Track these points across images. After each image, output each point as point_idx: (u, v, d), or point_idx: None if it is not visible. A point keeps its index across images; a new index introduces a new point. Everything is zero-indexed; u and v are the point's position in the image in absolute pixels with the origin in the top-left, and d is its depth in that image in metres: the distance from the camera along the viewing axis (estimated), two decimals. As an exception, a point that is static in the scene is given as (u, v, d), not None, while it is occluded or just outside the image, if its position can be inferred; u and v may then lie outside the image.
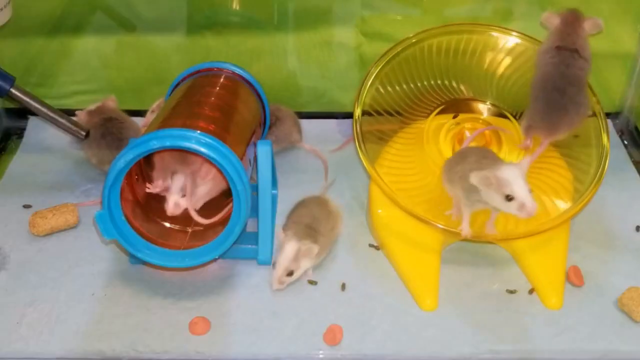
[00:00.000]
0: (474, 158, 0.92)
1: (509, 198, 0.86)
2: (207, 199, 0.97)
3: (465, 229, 0.93)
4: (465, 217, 0.93)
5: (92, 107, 1.11)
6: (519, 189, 0.85)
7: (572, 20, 1.01)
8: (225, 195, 0.98)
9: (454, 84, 1.09)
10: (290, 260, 0.90)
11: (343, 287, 0.94)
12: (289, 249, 0.90)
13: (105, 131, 1.07)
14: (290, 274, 0.90)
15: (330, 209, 0.99)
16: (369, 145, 1.02)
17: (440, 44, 1.09)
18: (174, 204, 0.93)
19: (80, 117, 1.09)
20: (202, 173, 0.94)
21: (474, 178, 0.87)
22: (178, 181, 0.93)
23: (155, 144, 0.85)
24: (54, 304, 0.91)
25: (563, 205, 0.98)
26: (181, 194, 0.93)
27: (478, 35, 1.09)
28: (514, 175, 0.86)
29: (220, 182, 0.96)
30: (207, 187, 0.96)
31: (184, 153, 0.92)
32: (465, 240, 0.98)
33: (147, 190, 0.98)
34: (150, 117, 1.15)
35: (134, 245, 0.90)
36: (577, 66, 0.98)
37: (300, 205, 0.98)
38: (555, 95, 0.97)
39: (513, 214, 0.87)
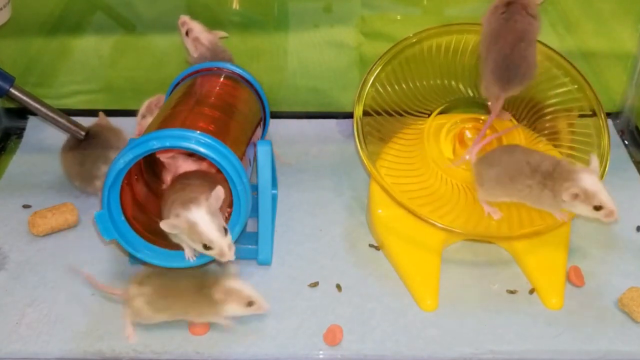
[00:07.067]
0: (527, 171, 0.90)
1: (597, 208, 0.86)
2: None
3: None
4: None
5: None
6: (607, 199, 0.86)
7: None
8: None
9: (455, 84, 1.09)
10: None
11: (339, 288, 0.94)
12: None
13: (75, 143, 1.07)
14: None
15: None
16: (369, 145, 1.02)
17: (441, 44, 1.09)
18: (229, 246, 0.83)
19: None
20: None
21: (566, 197, 0.86)
22: (211, 223, 0.82)
23: (155, 144, 0.84)
24: (54, 304, 0.91)
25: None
26: (223, 232, 0.83)
27: (479, 35, 1.09)
28: (596, 184, 0.86)
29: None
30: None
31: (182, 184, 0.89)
32: (466, 240, 0.98)
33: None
34: (143, 122, 1.13)
35: (134, 245, 0.89)
36: (526, 20, 0.97)
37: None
38: (506, 51, 0.96)
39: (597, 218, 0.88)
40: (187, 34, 1.11)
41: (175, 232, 0.83)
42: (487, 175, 0.94)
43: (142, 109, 1.13)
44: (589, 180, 0.87)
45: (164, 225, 0.82)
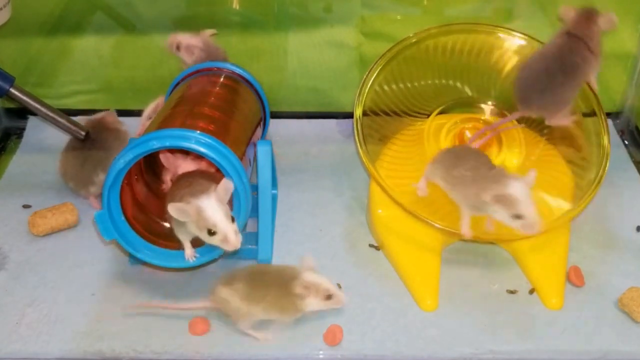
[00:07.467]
0: (471, 164, 0.91)
1: (517, 217, 0.85)
2: None
3: (465, 230, 0.92)
4: (465, 218, 0.92)
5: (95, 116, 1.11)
6: (528, 210, 0.85)
7: (587, 13, 0.99)
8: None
9: (455, 84, 1.09)
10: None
11: (339, 288, 0.93)
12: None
13: (78, 145, 1.07)
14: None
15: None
16: (369, 145, 1.02)
17: (441, 44, 1.09)
18: (235, 232, 0.82)
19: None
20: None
21: (487, 196, 0.85)
22: (219, 209, 0.82)
23: (155, 144, 0.84)
24: (54, 304, 0.91)
25: (564, 205, 0.97)
26: (230, 219, 0.82)
27: (479, 35, 1.09)
28: (523, 194, 0.85)
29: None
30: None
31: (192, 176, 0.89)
32: (466, 240, 0.98)
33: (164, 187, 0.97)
34: (147, 123, 1.13)
35: (134, 245, 0.89)
36: (580, 55, 0.97)
37: None
38: (542, 75, 0.96)
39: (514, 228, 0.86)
40: (177, 48, 1.11)
41: (183, 218, 0.82)
42: (440, 155, 0.95)
43: (147, 111, 1.13)
44: (516, 187, 0.86)
45: (171, 208, 0.81)
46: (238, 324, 0.86)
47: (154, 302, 0.89)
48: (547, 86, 0.96)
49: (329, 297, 0.85)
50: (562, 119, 1.00)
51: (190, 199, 0.82)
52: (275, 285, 0.85)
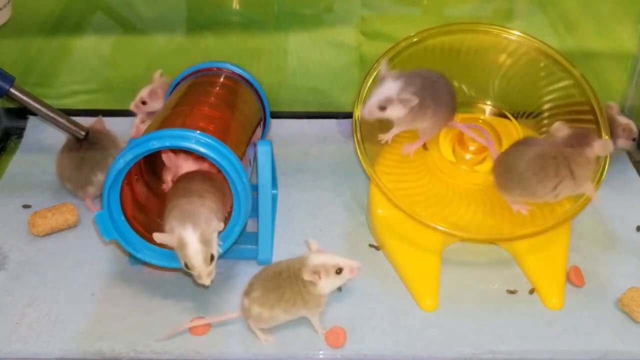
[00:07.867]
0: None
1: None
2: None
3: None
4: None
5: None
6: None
7: (578, 137, 0.93)
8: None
9: (455, 84, 1.09)
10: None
11: (339, 288, 0.93)
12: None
13: (74, 146, 1.07)
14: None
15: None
16: (369, 146, 1.02)
17: (441, 44, 1.09)
18: (209, 274, 0.84)
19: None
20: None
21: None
22: (199, 252, 0.83)
23: (155, 144, 0.85)
24: (54, 304, 0.91)
25: (564, 205, 0.97)
26: (208, 261, 0.84)
27: (479, 34, 1.09)
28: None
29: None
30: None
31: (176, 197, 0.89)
32: (465, 240, 0.98)
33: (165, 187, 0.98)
34: (141, 127, 1.14)
35: (134, 245, 0.89)
36: (556, 170, 0.91)
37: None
38: (516, 152, 0.95)
39: None
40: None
41: (166, 243, 0.84)
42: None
43: (136, 121, 1.14)
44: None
45: (156, 238, 0.83)
46: (252, 325, 0.86)
47: (181, 325, 0.87)
48: (511, 164, 0.94)
49: (339, 270, 0.83)
50: (513, 204, 0.97)
51: (176, 226, 0.83)
52: (287, 282, 0.84)
